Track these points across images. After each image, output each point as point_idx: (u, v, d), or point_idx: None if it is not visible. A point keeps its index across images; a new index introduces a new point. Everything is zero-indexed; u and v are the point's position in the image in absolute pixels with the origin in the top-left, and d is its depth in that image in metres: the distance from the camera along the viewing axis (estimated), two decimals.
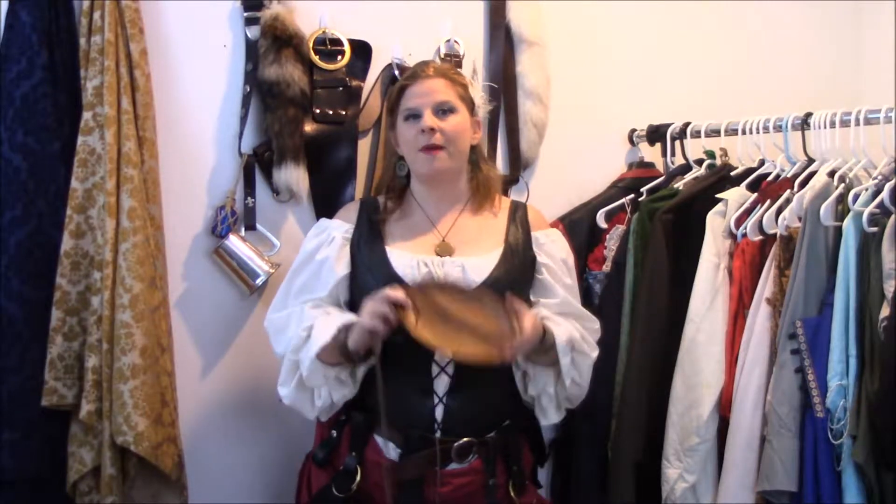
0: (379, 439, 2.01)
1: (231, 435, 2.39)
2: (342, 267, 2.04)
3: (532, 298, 2.08)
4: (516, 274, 2.04)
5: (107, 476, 2.06)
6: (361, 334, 1.90)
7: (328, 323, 1.94)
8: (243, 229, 2.34)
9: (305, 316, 1.99)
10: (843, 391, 2.03)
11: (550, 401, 2.05)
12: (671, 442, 2.26)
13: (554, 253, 2.10)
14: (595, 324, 2.12)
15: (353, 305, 2.04)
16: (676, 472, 2.25)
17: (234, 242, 2.31)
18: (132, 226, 2.09)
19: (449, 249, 2.05)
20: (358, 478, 1.99)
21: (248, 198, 2.35)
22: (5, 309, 2.06)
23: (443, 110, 2.03)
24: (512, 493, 2.04)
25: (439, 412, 1.98)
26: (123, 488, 2.11)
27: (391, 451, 2.00)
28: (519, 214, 2.13)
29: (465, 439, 1.98)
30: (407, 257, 2.02)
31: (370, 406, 2.00)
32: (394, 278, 1.98)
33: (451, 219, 2.09)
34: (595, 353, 2.08)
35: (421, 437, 1.97)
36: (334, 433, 2.06)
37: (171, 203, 2.25)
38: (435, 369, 1.98)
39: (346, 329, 1.92)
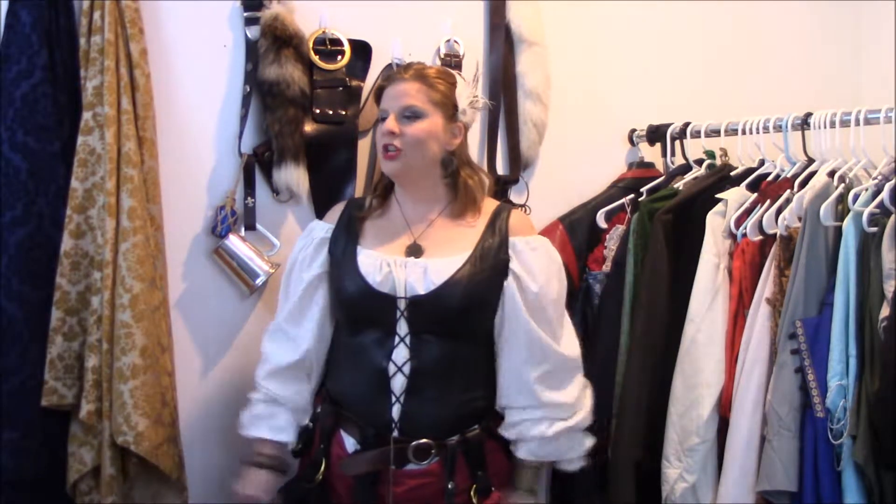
0: (343, 433, 2.03)
1: (231, 435, 2.38)
2: (315, 267, 2.07)
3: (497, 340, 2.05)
4: (481, 278, 2.00)
5: (107, 476, 2.07)
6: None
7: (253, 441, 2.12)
8: (243, 229, 2.34)
9: (253, 400, 2.13)
10: (843, 391, 2.02)
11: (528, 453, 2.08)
12: (671, 442, 2.26)
13: (530, 262, 2.03)
14: (571, 362, 2.07)
15: (334, 304, 2.09)
16: (676, 472, 2.25)
17: (234, 242, 2.31)
18: (132, 226, 2.09)
19: (419, 251, 2.04)
20: (322, 468, 2.02)
21: (248, 198, 2.35)
22: (5, 309, 2.06)
23: (407, 115, 2.02)
24: (474, 499, 2.01)
25: (396, 411, 1.98)
26: (123, 488, 2.11)
27: (351, 446, 2.02)
28: (501, 218, 2.08)
29: (422, 440, 1.98)
30: (373, 257, 2.03)
31: (335, 399, 2.05)
32: (360, 278, 2.00)
33: (426, 221, 2.08)
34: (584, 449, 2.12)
35: (376, 434, 1.98)
36: (310, 424, 2.09)
37: (171, 203, 2.25)
38: (392, 368, 1.98)
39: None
